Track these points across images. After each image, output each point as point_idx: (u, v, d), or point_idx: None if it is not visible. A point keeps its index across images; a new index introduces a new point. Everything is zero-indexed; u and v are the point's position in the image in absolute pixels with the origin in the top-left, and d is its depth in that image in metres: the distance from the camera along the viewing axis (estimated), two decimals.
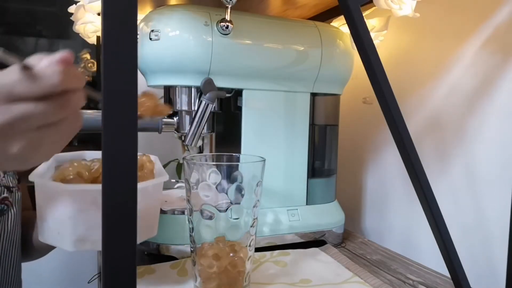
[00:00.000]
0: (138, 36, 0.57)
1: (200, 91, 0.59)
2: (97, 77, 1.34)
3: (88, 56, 1.34)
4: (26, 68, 0.29)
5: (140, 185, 0.41)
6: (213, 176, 0.45)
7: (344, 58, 0.68)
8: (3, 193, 0.53)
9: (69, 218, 0.39)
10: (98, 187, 0.39)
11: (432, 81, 0.65)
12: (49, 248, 0.62)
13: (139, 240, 0.45)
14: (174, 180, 0.82)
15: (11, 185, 0.55)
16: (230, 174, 0.46)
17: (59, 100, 0.30)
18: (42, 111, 0.30)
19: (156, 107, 0.43)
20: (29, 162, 0.32)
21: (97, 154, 0.55)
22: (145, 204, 0.43)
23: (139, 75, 0.47)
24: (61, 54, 0.30)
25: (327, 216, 0.70)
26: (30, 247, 0.61)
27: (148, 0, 0.67)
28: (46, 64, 0.30)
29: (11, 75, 0.29)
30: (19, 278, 0.59)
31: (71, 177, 0.44)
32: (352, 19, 0.41)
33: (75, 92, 0.32)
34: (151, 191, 0.44)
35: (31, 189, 0.65)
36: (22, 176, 0.59)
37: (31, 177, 0.40)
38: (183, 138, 0.63)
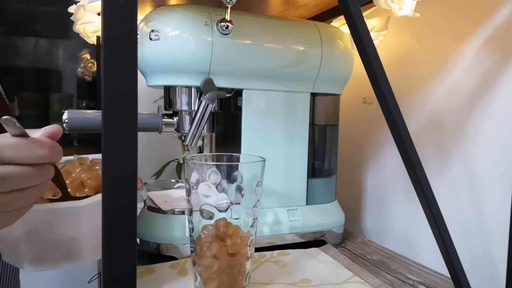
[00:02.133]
0: (138, 36, 0.57)
1: (200, 91, 0.59)
2: (97, 77, 1.34)
3: (88, 56, 1.34)
4: (20, 135, 0.31)
5: (94, 198, 0.39)
6: (213, 176, 0.45)
7: (344, 58, 0.68)
8: None
9: (22, 239, 0.37)
10: (47, 206, 0.38)
11: (432, 81, 0.65)
12: None
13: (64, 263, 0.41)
14: (174, 180, 0.82)
15: None
16: (230, 174, 0.46)
17: (37, 168, 0.32)
18: (20, 175, 0.31)
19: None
20: None
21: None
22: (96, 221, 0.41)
23: (139, 75, 0.47)
24: (53, 127, 0.34)
25: (327, 216, 0.70)
26: None
27: (148, 0, 0.67)
28: (40, 134, 0.33)
29: (5, 139, 0.31)
30: (17, 279, 0.59)
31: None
32: (352, 19, 0.41)
33: (51, 164, 0.34)
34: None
35: None
36: None
37: None
38: (183, 138, 0.63)
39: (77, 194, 0.44)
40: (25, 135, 0.31)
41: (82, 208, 0.38)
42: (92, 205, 0.39)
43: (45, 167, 0.33)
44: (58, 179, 0.40)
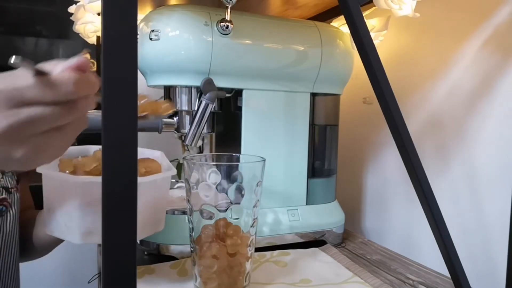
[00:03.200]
0: (138, 36, 0.57)
1: (200, 91, 0.59)
2: None
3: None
4: (41, 74, 0.28)
5: (147, 179, 0.41)
6: (213, 176, 0.45)
7: (344, 58, 0.68)
8: (2, 194, 0.53)
9: (77, 211, 0.38)
10: None
11: (432, 81, 0.65)
12: (49, 248, 0.62)
13: (147, 234, 0.45)
14: (174, 180, 0.82)
15: (9, 186, 0.55)
16: (230, 174, 0.46)
17: (68, 105, 0.30)
18: (50, 115, 0.29)
19: (159, 106, 0.43)
20: (30, 165, 0.32)
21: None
22: (153, 198, 0.43)
23: (139, 75, 0.47)
24: (77, 60, 0.30)
25: (327, 216, 0.70)
26: (30, 247, 0.61)
27: (148, 0, 0.67)
28: (61, 70, 0.29)
29: (24, 79, 0.28)
30: (17, 279, 0.59)
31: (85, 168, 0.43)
32: (352, 19, 0.41)
33: (86, 98, 0.31)
34: (159, 185, 0.44)
35: (33, 188, 0.65)
36: (22, 176, 0.59)
37: (39, 169, 0.39)
38: (183, 138, 0.63)
39: None
40: (45, 74, 0.29)
41: (140, 184, 0.38)
42: (151, 182, 0.41)
43: (76, 103, 0.30)
44: None
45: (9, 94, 0.28)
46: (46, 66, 0.30)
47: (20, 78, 0.29)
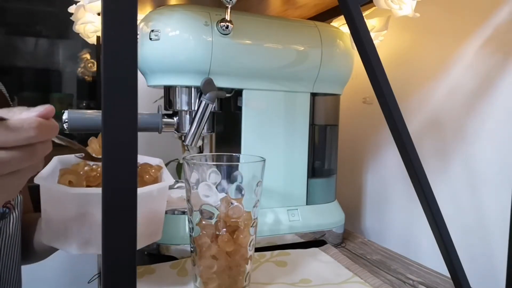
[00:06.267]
0: (138, 36, 0.57)
1: (200, 91, 0.59)
2: (97, 77, 1.34)
3: (88, 56, 1.34)
4: (1, 119, 0.29)
5: (143, 190, 0.41)
6: (213, 176, 0.45)
7: (344, 58, 0.68)
8: None
9: (74, 221, 0.38)
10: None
11: (432, 81, 0.65)
12: (50, 251, 0.62)
13: (144, 243, 0.45)
14: (174, 180, 0.82)
15: None
16: (230, 174, 0.46)
17: (28, 150, 0.30)
18: (10, 160, 0.30)
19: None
20: None
21: None
22: (149, 209, 0.43)
23: (139, 75, 0.47)
24: (42, 108, 0.31)
25: (327, 216, 0.70)
26: (31, 251, 0.61)
27: (148, 0, 0.67)
28: (25, 117, 0.30)
29: None
30: (20, 279, 0.59)
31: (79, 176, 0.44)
32: (352, 19, 0.41)
33: (45, 142, 0.32)
34: (156, 196, 0.44)
35: (32, 189, 0.65)
36: None
37: (36, 180, 0.40)
38: (183, 138, 0.63)
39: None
40: (4, 119, 0.30)
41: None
42: (147, 193, 0.41)
43: (36, 147, 0.31)
44: (71, 146, 0.41)
45: None
46: (12, 110, 0.30)
47: None
